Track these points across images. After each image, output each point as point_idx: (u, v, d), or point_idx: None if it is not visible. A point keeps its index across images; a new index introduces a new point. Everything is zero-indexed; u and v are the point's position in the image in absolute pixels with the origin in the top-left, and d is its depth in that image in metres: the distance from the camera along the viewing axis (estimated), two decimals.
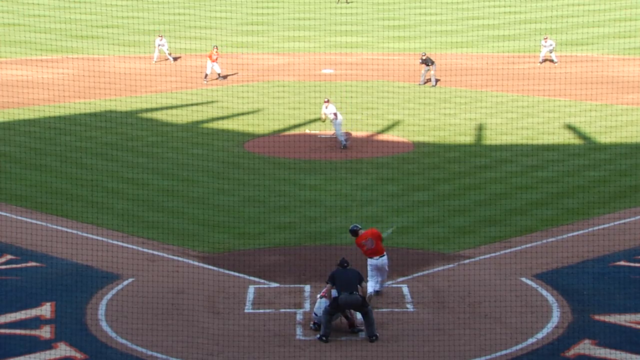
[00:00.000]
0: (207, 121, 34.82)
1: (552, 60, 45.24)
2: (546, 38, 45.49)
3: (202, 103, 37.47)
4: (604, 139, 31.65)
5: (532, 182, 26.42)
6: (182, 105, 37.20)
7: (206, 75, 42.05)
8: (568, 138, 31.85)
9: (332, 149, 30.18)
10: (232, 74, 43.67)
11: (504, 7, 63.74)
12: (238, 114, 35.80)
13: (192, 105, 37.10)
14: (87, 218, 23.07)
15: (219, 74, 42.24)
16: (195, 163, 28.39)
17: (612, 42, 49.69)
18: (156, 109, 36.73)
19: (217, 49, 42.01)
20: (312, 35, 54.66)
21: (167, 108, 36.95)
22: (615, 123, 33.49)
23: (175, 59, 47.19)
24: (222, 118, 35.28)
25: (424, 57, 40.53)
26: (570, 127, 33.22)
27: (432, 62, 40.33)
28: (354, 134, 32.24)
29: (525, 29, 55.69)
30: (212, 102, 37.83)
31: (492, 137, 32.10)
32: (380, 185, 26.31)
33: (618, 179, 26.51)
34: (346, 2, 67.16)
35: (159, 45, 46.68)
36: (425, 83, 40.76)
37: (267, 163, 28.67)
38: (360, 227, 18.25)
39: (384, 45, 51.75)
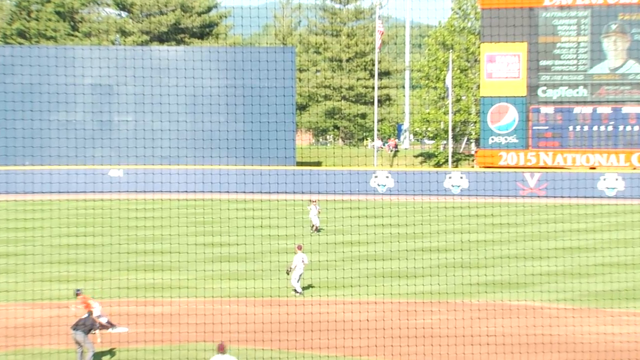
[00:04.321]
0: None
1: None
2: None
3: None
4: None
5: None
6: None
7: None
8: None
9: None
10: None
11: (392, 226, 59.67)
12: None
13: None
14: None
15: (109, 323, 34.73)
16: None
17: (561, 285, 44.73)
18: None
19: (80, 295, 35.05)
20: (90, 275, 47.79)
21: None
22: None
23: None
24: None
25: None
26: None
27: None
28: None
29: (428, 263, 50.90)
30: None
31: None
32: None
33: None
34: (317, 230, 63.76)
35: None
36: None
37: None
38: None
39: (210, 287, 45.18)
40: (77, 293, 36.01)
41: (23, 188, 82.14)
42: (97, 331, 32.88)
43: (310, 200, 64.87)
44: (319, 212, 63.57)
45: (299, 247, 44.20)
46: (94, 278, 47.47)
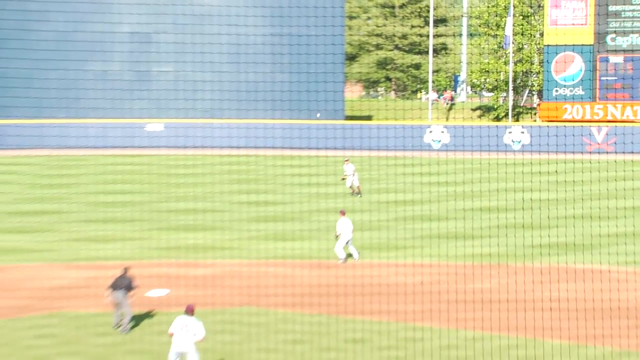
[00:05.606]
0: None
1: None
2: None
3: None
4: None
5: None
6: None
7: None
8: None
9: None
10: None
11: (447, 185, 59.44)
12: None
13: None
14: None
15: None
16: None
17: (628, 247, 43.56)
18: None
19: None
20: (128, 234, 48.09)
21: None
22: None
23: None
24: None
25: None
26: None
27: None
28: None
29: (487, 223, 50.70)
30: None
31: None
32: None
33: None
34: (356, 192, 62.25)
35: None
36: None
37: None
38: None
39: (255, 248, 45.46)
40: None
41: (57, 142, 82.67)
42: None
43: (344, 160, 63.99)
44: (355, 171, 62.76)
45: (342, 213, 43.84)
46: (132, 238, 47.85)
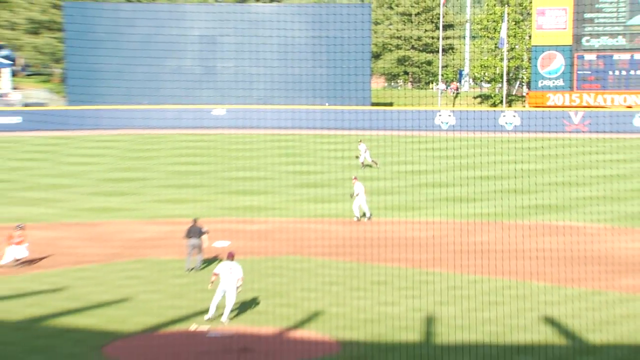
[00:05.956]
0: (50, 317, 26.14)
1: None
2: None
3: (42, 292, 29.08)
4: (596, 337, 24.79)
5: None
6: (11, 296, 28.57)
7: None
8: (547, 336, 24.89)
9: (228, 352, 22.88)
10: (40, 258, 34.19)
11: (453, 158, 59.27)
12: (94, 306, 27.22)
13: (26, 295, 28.63)
14: None
15: (17, 259, 32.84)
16: None
17: (599, 208, 43.79)
18: None
19: (20, 229, 33.10)
20: (198, 197, 48.21)
21: None
22: (608, 317, 26.72)
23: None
24: (72, 312, 26.62)
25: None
26: (549, 321, 26.33)
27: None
28: (257, 330, 25.11)
29: (485, 189, 50.46)
30: (57, 290, 29.39)
31: (445, 334, 24.90)
32: None
33: None
34: (374, 162, 60.95)
35: None
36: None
37: None
38: None
39: (298, 209, 45.44)
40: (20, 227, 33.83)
41: (142, 124, 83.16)
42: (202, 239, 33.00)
43: (358, 141, 63.49)
44: (367, 150, 61.85)
45: (355, 178, 43.69)
46: (201, 200, 47.99)
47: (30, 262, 33.54)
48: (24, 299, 28.34)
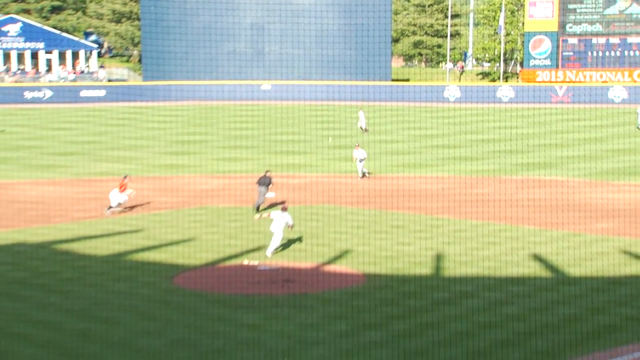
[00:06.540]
0: (131, 252, 26.36)
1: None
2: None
3: (124, 232, 29.26)
4: (575, 271, 24.68)
5: (498, 320, 19.35)
6: (101, 236, 28.73)
7: (110, 207, 32.56)
8: (535, 270, 24.81)
9: (274, 283, 23.09)
10: (142, 204, 34.44)
11: (459, 124, 58.79)
12: (166, 244, 27.35)
13: (113, 235, 28.80)
14: None
15: (119, 203, 32.78)
16: (117, 301, 20.66)
17: (579, 165, 43.16)
18: (71, 240, 28.10)
19: (126, 178, 33.23)
20: (249, 156, 48.30)
21: (83, 239, 28.32)
22: (585, 254, 26.62)
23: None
24: (148, 249, 26.82)
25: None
26: (537, 258, 26.21)
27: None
28: (297, 265, 25.22)
29: (485, 149, 50.10)
30: (137, 231, 29.55)
31: (452, 268, 24.84)
32: (328, 324, 19.08)
33: (591, 317, 19.60)
34: (365, 130, 58.56)
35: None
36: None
37: (200, 299, 21.08)
38: None
39: (331, 167, 45.26)
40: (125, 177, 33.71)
41: (203, 96, 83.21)
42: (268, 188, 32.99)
43: (360, 108, 61.61)
44: (364, 117, 59.52)
45: (357, 146, 41.56)
46: (252, 158, 48.06)
47: (131, 208, 33.70)
48: (111, 238, 28.64)
